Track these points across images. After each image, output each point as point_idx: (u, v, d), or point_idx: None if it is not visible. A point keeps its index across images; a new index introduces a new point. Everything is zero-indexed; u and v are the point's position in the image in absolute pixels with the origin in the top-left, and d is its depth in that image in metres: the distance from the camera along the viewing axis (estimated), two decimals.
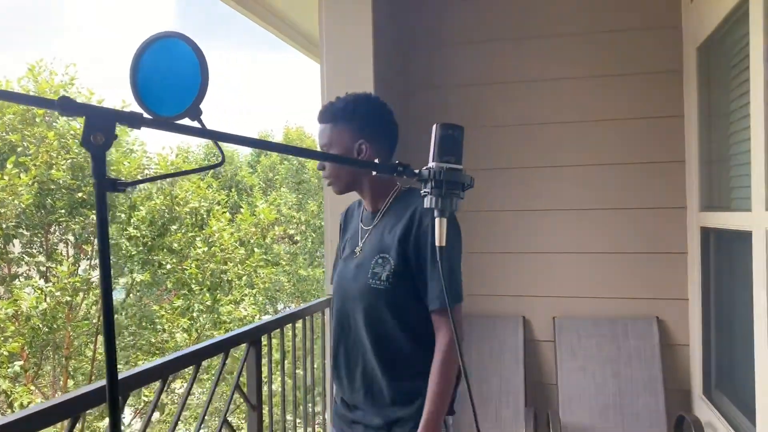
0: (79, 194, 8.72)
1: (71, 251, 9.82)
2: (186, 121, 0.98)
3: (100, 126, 0.87)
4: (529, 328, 3.38)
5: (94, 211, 8.75)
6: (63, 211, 9.02)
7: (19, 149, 8.57)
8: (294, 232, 14.87)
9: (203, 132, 0.98)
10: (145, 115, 0.94)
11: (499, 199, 3.39)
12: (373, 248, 1.69)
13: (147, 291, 9.91)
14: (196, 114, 0.98)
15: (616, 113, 3.25)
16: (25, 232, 8.79)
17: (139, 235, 9.25)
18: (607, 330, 3.25)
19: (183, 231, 9.97)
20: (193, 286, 9.67)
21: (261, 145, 1.08)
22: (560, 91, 3.32)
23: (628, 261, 3.25)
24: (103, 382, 1.35)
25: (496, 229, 3.40)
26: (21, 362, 7.76)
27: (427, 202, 1.03)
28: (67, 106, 0.82)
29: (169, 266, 9.38)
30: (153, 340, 9.33)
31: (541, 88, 3.35)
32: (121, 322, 9.56)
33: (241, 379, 2.03)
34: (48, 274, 9.00)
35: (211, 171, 21.36)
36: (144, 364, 1.54)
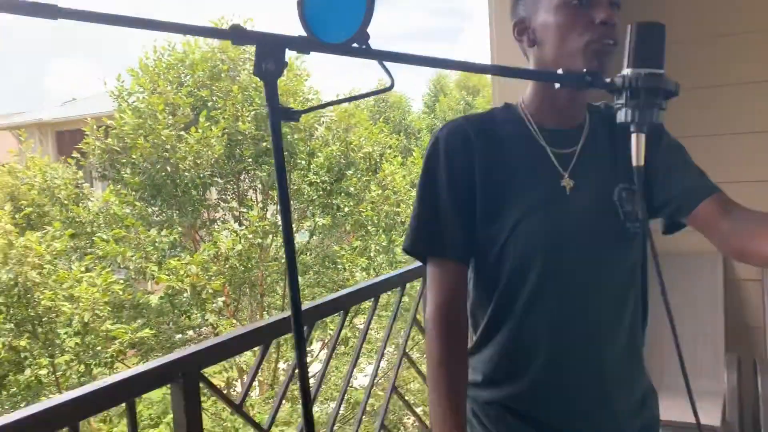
0: (264, 144, 9.35)
1: (260, 197, 10.63)
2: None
3: (271, 53, 0.85)
4: (730, 266, 3.03)
5: None
6: (250, 159, 9.74)
7: (209, 104, 9.33)
8: None
9: (371, 53, 0.93)
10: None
11: (706, 123, 2.98)
12: (602, 178, 1.18)
13: (328, 233, 10.49)
14: (363, 39, 0.93)
15: None
16: (219, 180, 9.66)
17: (318, 180, 9.76)
18: None
19: (358, 176, 10.34)
20: (369, 227, 10.07)
21: (431, 62, 1.01)
22: None
23: None
24: (287, 313, 1.41)
25: (699, 154, 3.01)
26: (223, 298, 8.66)
27: (622, 116, 0.89)
28: (239, 35, 0.81)
29: (347, 209, 9.83)
30: (335, 278, 9.92)
31: None
32: (306, 261, 10.27)
33: (418, 315, 2.04)
34: (241, 219, 9.85)
35: (381, 117, 21.91)
36: (325, 296, 1.59)
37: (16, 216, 8.99)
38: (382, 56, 0.92)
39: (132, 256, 8.04)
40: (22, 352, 7.58)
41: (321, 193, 9.76)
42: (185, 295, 7.83)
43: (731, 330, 2.95)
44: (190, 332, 9.32)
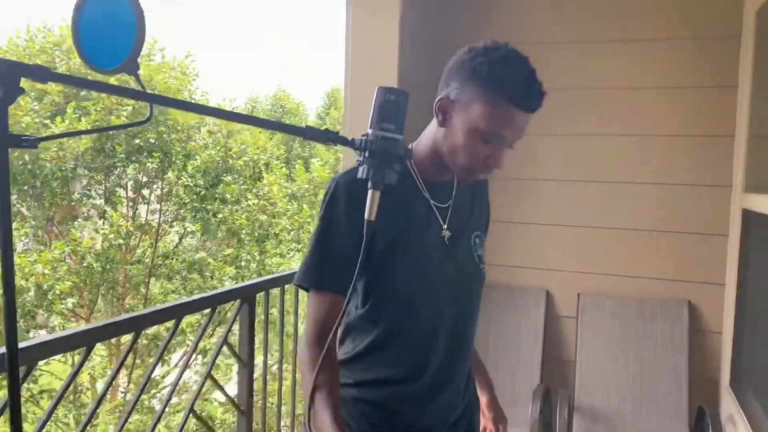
0: (137, 141, 8.95)
1: (130, 195, 10.16)
2: None
3: (3, 79, 0.82)
4: (552, 302, 3.26)
5: (150, 159, 8.99)
6: (122, 155, 9.30)
7: (82, 93, 8.83)
8: None
9: (118, 90, 0.93)
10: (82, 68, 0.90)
11: (529, 168, 3.23)
12: (464, 227, 1.37)
13: (198, 238, 10.20)
14: (133, 69, 0.93)
15: (663, 81, 3.02)
16: (84, 174, 9.13)
17: (192, 184, 9.47)
18: (634, 310, 3.10)
19: (240, 183, 10.15)
20: (242, 236, 9.88)
21: (192, 108, 1.02)
22: (602, 56, 3.11)
23: (662, 239, 3.07)
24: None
25: (525, 198, 3.27)
26: (74, 299, 8.14)
27: (360, 172, 0.96)
28: None
29: (220, 216, 9.61)
30: (202, 286, 9.64)
31: (581, 50, 3.14)
32: (174, 266, 9.92)
33: (232, 336, 2.03)
34: (105, 216, 9.36)
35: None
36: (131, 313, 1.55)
37: None
38: (140, 96, 0.93)
39: None
40: None
41: (194, 197, 9.47)
42: (29, 294, 7.28)
43: (547, 363, 3.17)
44: (42, 332, 8.68)
